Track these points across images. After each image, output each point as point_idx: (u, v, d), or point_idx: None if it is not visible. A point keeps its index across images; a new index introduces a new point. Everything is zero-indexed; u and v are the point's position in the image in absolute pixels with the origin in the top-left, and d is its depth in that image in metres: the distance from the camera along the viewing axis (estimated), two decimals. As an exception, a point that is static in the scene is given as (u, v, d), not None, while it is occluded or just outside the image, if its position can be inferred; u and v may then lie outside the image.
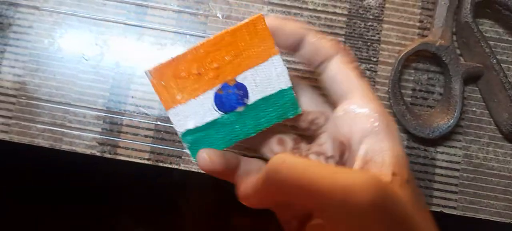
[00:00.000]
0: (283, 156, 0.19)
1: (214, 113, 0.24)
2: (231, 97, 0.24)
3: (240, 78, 0.24)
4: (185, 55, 0.23)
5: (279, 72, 0.24)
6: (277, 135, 0.26)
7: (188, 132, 0.25)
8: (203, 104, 0.24)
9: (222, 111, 0.24)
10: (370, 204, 0.16)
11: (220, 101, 0.24)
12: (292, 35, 0.24)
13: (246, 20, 0.23)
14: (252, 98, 0.24)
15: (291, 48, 0.24)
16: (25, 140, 0.31)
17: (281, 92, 0.24)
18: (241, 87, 0.24)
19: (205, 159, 0.24)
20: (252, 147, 0.27)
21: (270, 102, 0.25)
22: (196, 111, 0.24)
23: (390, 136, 0.21)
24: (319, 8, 0.32)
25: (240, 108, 0.24)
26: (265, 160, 0.25)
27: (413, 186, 0.20)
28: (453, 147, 0.31)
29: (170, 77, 0.24)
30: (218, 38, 0.23)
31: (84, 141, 0.31)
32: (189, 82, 0.24)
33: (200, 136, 0.25)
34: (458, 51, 0.32)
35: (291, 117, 0.25)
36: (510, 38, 0.32)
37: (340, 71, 0.23)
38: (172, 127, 0.31)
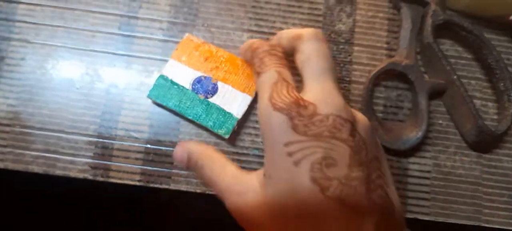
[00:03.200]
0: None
1: (186, 84, 0.33)
2: (204, 85, 0.33)
3: (220, 84, 0.33)
4: (210, 46, 0.34)
5: (241, 105, 0.32)
6: None
7: (164, 77, 0.33)
8: (188, 75, 0.33)
9: (191, 88, 0.33)
10: (234, 212, 0.25)
11: (197, 82, 0.33)
12: (244, 52, 0.30)
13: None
14: (213, 99, 0.32)
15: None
16: (20, 167, 0.32)
17: (230, 115, 0.32)
18: (214, 88, 0.33)
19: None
20: None
21: (217, 113, 0.32)
22: (182, 73, 0.33)
23: (264, 138, 0.24)
24: (295, 34, 0.35)
25: (200, 96, 0.33)
26: None
27: (275, 181, 0.23)
28: (423, 157, 0.34)
29: (191, 46, 0.34)
30: (232, 57, 0.34)
31: (77, 165, 0.32)
32: (195, 58, 0.33)
33: (166, 85, 0.33)
34: (422, 69, 0.34)
35: (219, 134, 0.32)
36: (468, 56, 0.35)
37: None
38: (161, 149, 0.33)
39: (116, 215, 0.58)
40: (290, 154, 0.22)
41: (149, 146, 0.33)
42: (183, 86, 0.33)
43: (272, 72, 0.25)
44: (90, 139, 0.33)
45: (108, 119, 0.33)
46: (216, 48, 0.34)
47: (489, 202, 0.33)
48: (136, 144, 0.33)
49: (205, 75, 0.33)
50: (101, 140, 0.33)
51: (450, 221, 0.33)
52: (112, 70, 0.34)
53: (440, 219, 0.33)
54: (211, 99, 0.32)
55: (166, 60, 0.34)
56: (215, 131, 0.32)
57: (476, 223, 0.33)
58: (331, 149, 0.22)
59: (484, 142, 0.33)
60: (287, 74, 0.25)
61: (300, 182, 0.21)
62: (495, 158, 0.34)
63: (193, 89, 0.33)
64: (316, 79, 0.25)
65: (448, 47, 0.35)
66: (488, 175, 0.33)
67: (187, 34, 0.34)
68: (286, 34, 0.28)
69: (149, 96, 0.32)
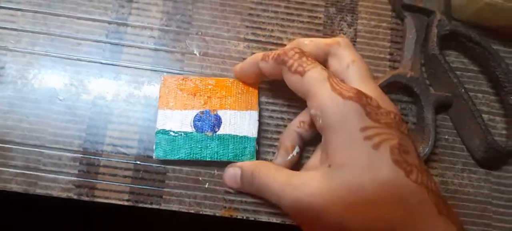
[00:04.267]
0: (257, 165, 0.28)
1: (188, 127, 0.30)
2: (206, 122, 0.30)
3: (220, 112, 0.30)
4: (192, 79, 0.31)
5: (251, 124, 0.30)
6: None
7: (163, 131, 0.30)
8: (185, 117, 0.30)
9: (195, 128, 0.30)
10: (291, 208, 0.25)
11: (198, 120, 0.30)
12: (250, 67, 0.29)
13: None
14: (222, 131, 0.30)
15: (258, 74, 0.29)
16: (-4, 185, 0.29)
17: (246, 138, 0.30)
18: (218, 119, 0.30)
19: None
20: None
21: (233, 142, 0.30)
22: (177, 119, 0.30)
23: (330, 129, 0.24)
24: (294, 44, 0.33)
25: (208, 133, 0.30)
26: None
27: (351, 167, 0.22)
28: (429, 174, 0.32)
29: (173, 88, 0.30)
30: (220, 80, 0.31)
31: (59, 184, 0.30)
32: (183, 98, 0.30)
33: (169, 138, 0.29)
34: (427, 82, 0.33)
35: (245, 160, 0.29)
36: (475, 68, 0.34)
37: (290, 83, 0.26)
38: (151, 166, 0.30)
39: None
40: (368, 138, 0.22)
41: (138, 162, 0.30)
42: (186, 132, 0.30)
43: (320, 69, 0.25)
44: (75, 155, 0.30)
45: (94, 133, 0.31)
46: (200, 79, 0.31)
47: (499, 222, 0.31)
48: (125, 161, 0.30)
49: (202, 110, 0.30)
50: (86, 156, 0.30)
51: (457, 242, 0.31)
52: (98, 80, 0.31)
53: (448, 240, 0.31)
54: (219, 132, 0.30)
55: (157, 71, 0.32)
56: (240, 160, 0.30)
57: (485, 244, 0.31)
58: (402, 138, 0.23)
59: (493, 159, 0.31)
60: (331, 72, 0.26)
61: (382, 164, 0.22)
62: (505, 175, 0.32)
63: (197, 129, 0.30)
64: (364, 81, 0.26)
65: (454, 59, 0.34)
66: (498, 193, 0.32)
67: (163, 76, 0.31)
68: (314, 41, 0.28)
69: (157, 157, 0.29)
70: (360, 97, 0.23)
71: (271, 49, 0.33)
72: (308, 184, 0.24)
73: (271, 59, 0.27)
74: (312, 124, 0.29)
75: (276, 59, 0.27)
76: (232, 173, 0.29)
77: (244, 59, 0.32)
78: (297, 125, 0.29)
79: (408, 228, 0.21)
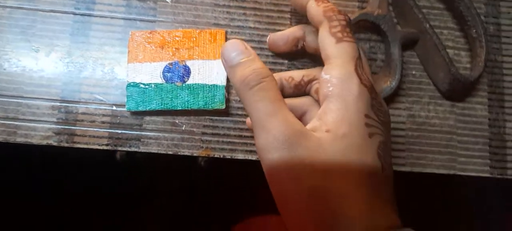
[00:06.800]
0: None
1: (158, 79, 0.31)
2: (176, 73, 0.31)
3: (189, 63, 0.32)
4: (159, 32, 0.32)
5: (220, 72, 0.31)
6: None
7: (133, 84, 0.31)
8: (155, 69, 0.31)
9: (165, 80, 0.31)
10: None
11: (167, 72, 0.31)
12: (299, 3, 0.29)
13: (213, 29, 0.32)
14: (191, 80, 0.31)
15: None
16: (-23, 136, 0.30)
17: (215, 86, 0.31)
18: (187, 69, 0.31)
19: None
20: None
21: (203, 90, 0.31)
22: (147, 72, 0.31)
23: (339, 100, 0.25)
24: (264, -12, 0.34)
25: (178, 83, 0.31)
26: None
27: (349, 142, 0.24)
28: (397, 108, 0.33)
29: (141, 42, 0.32)
30: (187, 31, 0.32)
31: (39, 132, 0.30)
32: (152, 51, 0.32)
33: (140, 90, 0.31)
34: (395, 20, 0.34)
35: (215, 108, 0.31)
36: (441, 6, 0.35)
37: (322, 40, 0.27)
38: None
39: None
40: (367, 125, 0.25)
41: (115, 108, 0.31)
42: (156, 83, 0.31)
43: (355, 46, 0.26)
44: (53, 103, 0.31)
45: (71, 81, 0.31)
46: (167, 31, 0.32)
47: (464, 151, 0.33)
48: (102, 107, 0.31)
49: (171, 61, 0.31)
50: (64, 104, 0.31)
51: (426, 171, 0.33)
52: (72, 30, 0.32)
53: (416, 169, 0.33)
54: (189, 81, 0.31)
55: (130, 19, 0.32)
56: (210, 107, 0.31)
57: (452, 172, 0.33)
58: (387, 138, 0.26)
59: (457, 90, 0.33)
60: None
61: (369, 153, 0.25)
62: (468, 106, 0.34)
63: (167, 80, 0.31)
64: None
65: (420, -3, 0.35)
66: (462, 124, 0.33)
67: (130, 32, 0.32)
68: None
69: (128, 109, 0.31)
70: (372, 90, 0.26)
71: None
72: (307, 138, 0.25)
73: (322, 5, 0.27)
74: (298, 86, 0.30)
75: (324, 11, 0.27)
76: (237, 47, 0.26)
77: (216, 4, 0.33)
78: (285, 77, 0.30)
79: (376, 199, 0.25)
